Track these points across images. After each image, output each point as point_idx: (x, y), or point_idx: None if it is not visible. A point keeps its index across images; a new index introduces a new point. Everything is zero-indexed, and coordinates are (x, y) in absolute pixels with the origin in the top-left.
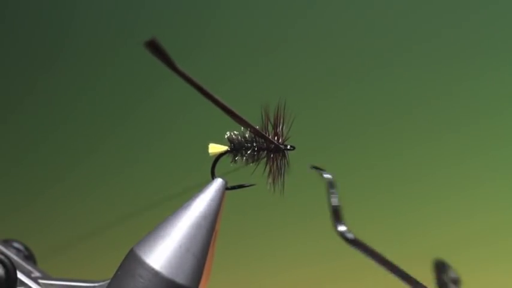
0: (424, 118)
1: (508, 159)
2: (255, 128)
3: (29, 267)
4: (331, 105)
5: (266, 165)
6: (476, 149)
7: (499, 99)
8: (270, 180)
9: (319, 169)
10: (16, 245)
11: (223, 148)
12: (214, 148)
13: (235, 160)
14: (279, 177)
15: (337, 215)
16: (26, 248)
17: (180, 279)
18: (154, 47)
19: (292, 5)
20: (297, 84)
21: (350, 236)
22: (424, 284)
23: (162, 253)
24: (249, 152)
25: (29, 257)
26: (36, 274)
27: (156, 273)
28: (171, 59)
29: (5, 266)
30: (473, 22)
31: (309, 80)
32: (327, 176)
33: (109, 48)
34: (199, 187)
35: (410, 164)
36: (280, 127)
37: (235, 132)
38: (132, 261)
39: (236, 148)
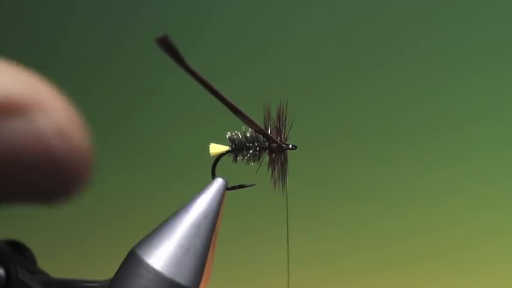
0: (424, 118)
1: (507, 160)
2: (259, 127)
3: (29, 267)
4: (329, 104)
5: (269, 166)
6: (476, 149)
7: (499, 99)
8: (273, 180)
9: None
10: (16, 245)
11: (224, 148)
12: (215, 148)
13: (236, 160)
14: (281, 176)
15: None
16: (27, 248)
17: (180, 279)
18: (165, 44)
19: (291, 4)
20: (295, 84)
21: None
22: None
23: (162, 253)
24: (250, 151)
25: (29, 257)
26: (37, 274)
27: (156, 273)
28: (181, 56)
29: (5, 266)
30: (468, 24)
31: (307, 80)
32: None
33: (108, 48)
34: (199, 187)
35: (410, 164)
36: (283, 126)
37: (236, 132)
38: (132, 261)
39: (237, 148)
